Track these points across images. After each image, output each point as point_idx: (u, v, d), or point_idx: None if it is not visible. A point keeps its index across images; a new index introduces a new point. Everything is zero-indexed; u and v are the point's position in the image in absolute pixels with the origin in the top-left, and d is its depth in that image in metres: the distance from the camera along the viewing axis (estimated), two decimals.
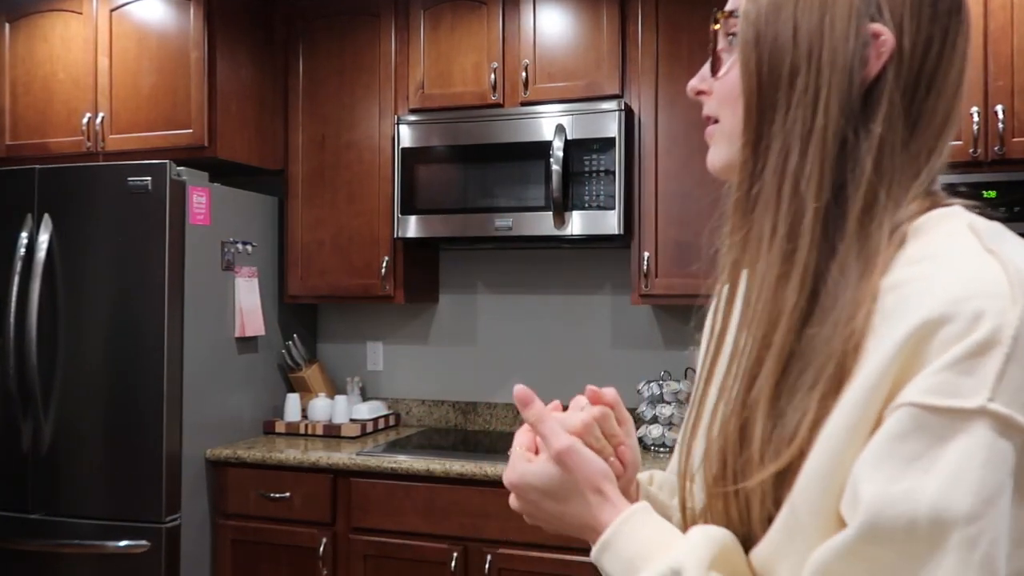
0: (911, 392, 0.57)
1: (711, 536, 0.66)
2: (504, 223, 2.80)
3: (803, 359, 0.64)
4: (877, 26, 0.66)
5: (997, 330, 0.55)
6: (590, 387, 0.79)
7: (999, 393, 0.55)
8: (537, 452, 0.76)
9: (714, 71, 0.77)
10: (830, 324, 0.63)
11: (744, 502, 0.66)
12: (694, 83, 0.79)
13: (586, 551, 0.74)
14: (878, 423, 0.58)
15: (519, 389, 0.75)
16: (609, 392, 0.78)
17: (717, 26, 0.77)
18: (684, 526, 0.74)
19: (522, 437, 0.78)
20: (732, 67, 0.74)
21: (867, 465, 0.57)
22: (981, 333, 0.55)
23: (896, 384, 0.58)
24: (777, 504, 0.64)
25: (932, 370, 0.56)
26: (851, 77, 0.66)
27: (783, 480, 0.63)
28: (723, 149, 0.76)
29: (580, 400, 0.79)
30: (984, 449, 0.54)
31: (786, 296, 0.66)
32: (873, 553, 0.56)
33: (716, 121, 0.78)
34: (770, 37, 0.69)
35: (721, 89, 0.76)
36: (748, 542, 0.67)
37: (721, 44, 0.77)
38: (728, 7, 0.76)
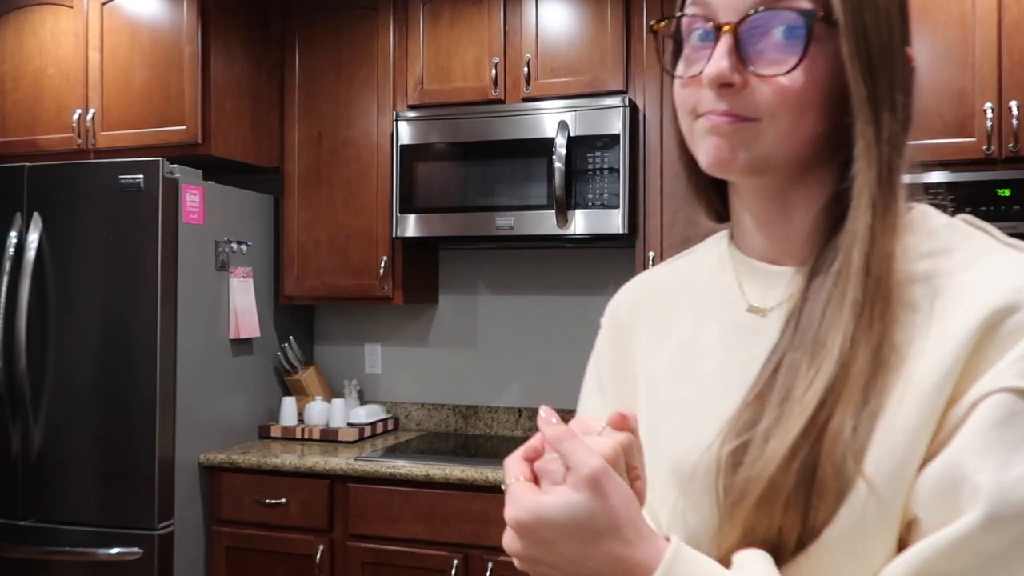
0: (1000, 379, 0.59)
1: (768, 564, 0.63)
2: (505, 222, 2.80)
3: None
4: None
5: None
6: (618, 411, 0.65)
7: None
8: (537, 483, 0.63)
9: (775, 72, 0.68)
10: None
11: (790, 519, 0.64)
12: (725, 71, 0.68)
13: None
14: (943, 418, 0.61)
15: (545, 408, 0.64)
16: (633, 415, 0.65)
17: (797, 5, 0.67)
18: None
19: (516, 467, 0.64)
20: (799, 66, 0.67)
21: (974, 455, 0.58)
22: None
23: (965, 377, 0.61)
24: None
25: (1016, 356, 0.60)
26: (905, 62, 0.71)
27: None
28: (749, 155, 0.70)
29: (588, 422, 0.66)
30: None
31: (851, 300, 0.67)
32: (989, 543, 0.57)
33: (748, 119, 0.69)
34: (872, 23, 0.67)
35: (782, 90, 0.68)
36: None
37: (778, 35, 0.68)
38: (732, 9, 0.69)
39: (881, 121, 0.67)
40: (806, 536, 0.63)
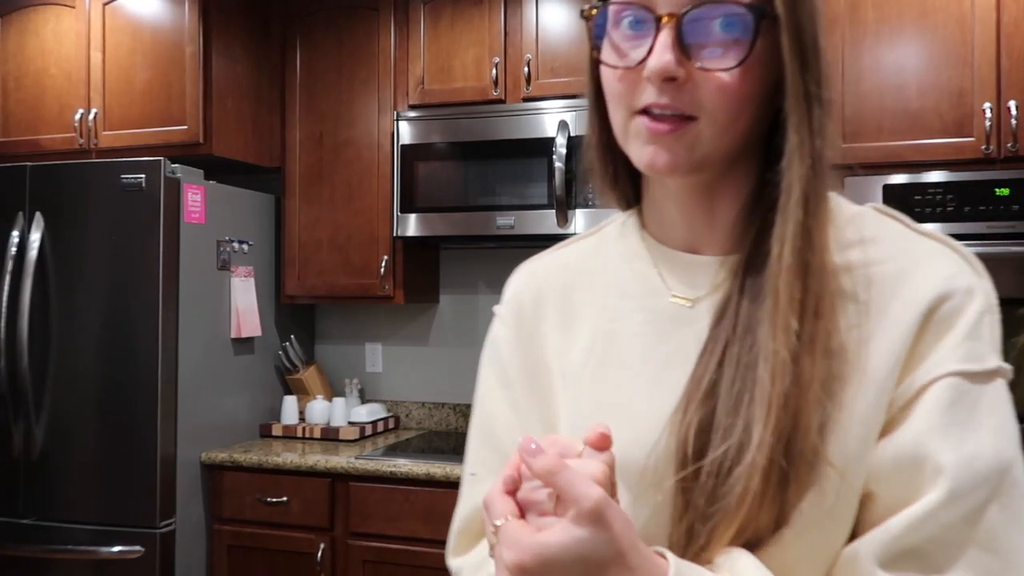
0: (946, 364, 0.65)
1: (757, 565, 0.63)
2: (506, 222, 2.81)
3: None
4: None
5: (986, 298, 0.67)
6: (599, 428, 0.60)
7: (999, 351, 0.67)
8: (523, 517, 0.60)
9: (720, 67, 0.66)
10: None
11: (766, 516, 0.65)
12: (670, 65, 0.65)
13: None
14: (891, 401, 0.66)
15: (525, 439, 0.59)
16: (609, 431, 0.61)
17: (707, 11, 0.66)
18: None
19: (502, 505, 0.60)
20: (744, 63, 0.66)
21: (934, 436, 0.64)
22: (978, 303, 0.67)
23: (909, 362, 0.66)
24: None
25: (956, 341, 0.65)
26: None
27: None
28: (688, 156, 0.69)
29: (565, 443, 0.61)
30: (1007, 399, 0.66)
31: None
32: (949, 515, 0.62)
33: (689, 118, 0.68)
34: (805, 18, 0.66)
35: (723, 86, 0.66)
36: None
37: (722, 29, 0.66)
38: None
39: (813, 115, 0.67)
40: (778, 526, 0.65)
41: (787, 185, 0.68)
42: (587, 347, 0.79)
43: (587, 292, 0.82)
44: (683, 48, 0.66)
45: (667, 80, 0.66)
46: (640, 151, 0.70)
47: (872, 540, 0.64)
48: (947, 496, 0.62)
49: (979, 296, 0.67)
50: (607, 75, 0.71)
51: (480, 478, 0.83)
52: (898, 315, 0.66)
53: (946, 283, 0.67)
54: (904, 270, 0.68)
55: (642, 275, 0.78)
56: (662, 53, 0.66)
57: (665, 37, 0.66)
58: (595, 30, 0.71)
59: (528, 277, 0.88)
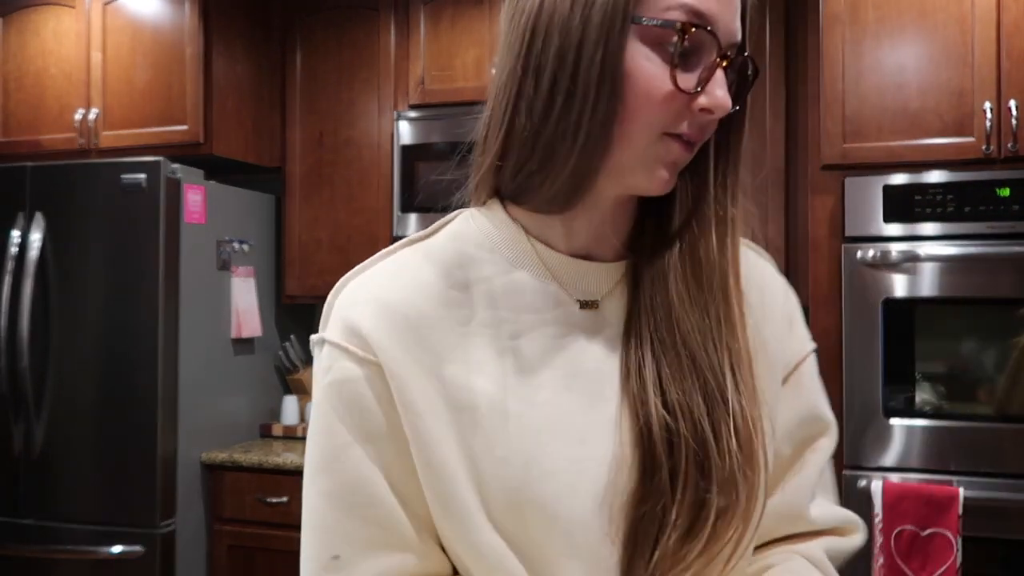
0: (805, 344, 0.83)
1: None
2: None
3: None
4: None
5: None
6: None
7: None
8: None
9: (740, 100, 0.71)
10: None
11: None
12: (728, 102, 0.67)
13: None
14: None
15: None
16: None
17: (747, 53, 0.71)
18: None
19: None
20: (743, 110, 0.74)
21: (818, 398, 0.83)
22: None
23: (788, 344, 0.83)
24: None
25: (801, 325, 0.84)
26: None
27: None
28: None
29: None
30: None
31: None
32: (831, 449, 0.83)
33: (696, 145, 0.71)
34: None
35: (714, 122, 0.71)
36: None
37: (740, 76, 0.72)
38: (737, 35, 0.69)
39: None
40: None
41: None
42: (497, 372, 0.71)
43: (467, 309, 0.72)
44: (729, 85, 0.69)
45: (715, 118, 0.69)
46: (658, 173, 0.69)
47: (804, 486, 0.80)
48: (833, 437, 0.83)
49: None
50: (655, 89, 0.66)
51: (347, 560, 0.69)
52: (778, 312, 0.81)
53: (784, 281, 0.85)
54: (771, 275, 0.83)
55: (536, 283, 0.73)
56: (726, 92, 0.67)
57: (721, 75, 0.67)
58: (680, 49, 0.66)
59: (374, 305, 0.72)
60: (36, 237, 2.78)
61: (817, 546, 0.80)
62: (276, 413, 3.22)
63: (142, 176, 2.71)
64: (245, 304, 3.05)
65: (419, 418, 0.69)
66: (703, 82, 0.66)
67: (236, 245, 3.03)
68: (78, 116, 3.09)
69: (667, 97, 0.66)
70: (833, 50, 2.43)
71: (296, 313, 3.40)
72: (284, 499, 2.76)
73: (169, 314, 2.71)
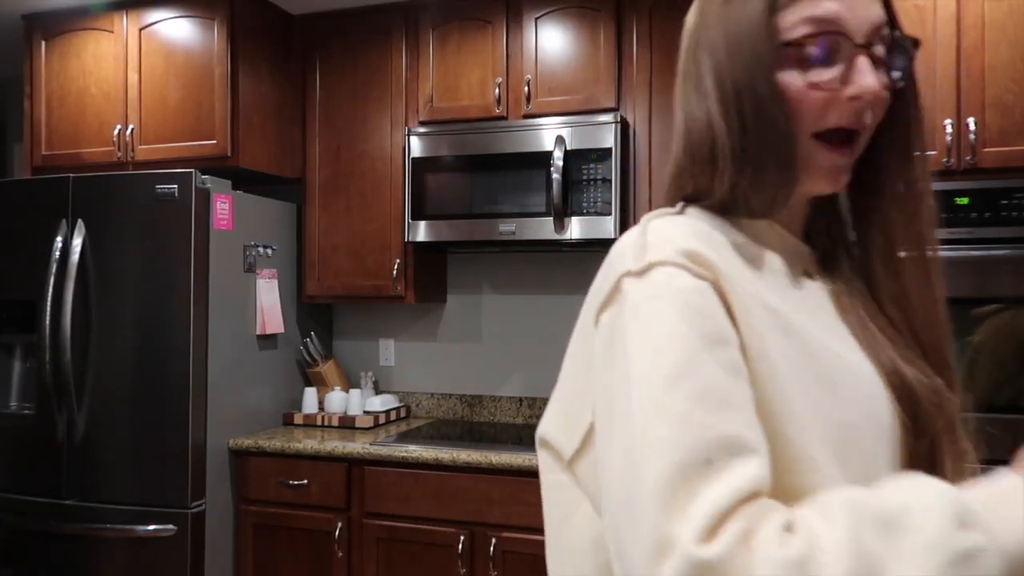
0: None
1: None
2: (508, 228, 2.81)
3: None
4: None
5: None
6: None
7: None
8: None
9: (897, 80, 0.72)
10: None
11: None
12: (879, 86, 0.70)
13: None
14: None
15: None
16: None
17: (892, 33, 0.72)
18: None
19: None
20: (907, 81, 0.73)
21: None
22: None
23: None
24: None
25: None
26: None
27: None
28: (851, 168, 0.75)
29: None
30: None
31: None
32: None
33: (858, 136, 0.72)
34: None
35: (885, 103, 0.72)
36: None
37: (891, 53, 0.72)
38: (883, 16, 0.72)
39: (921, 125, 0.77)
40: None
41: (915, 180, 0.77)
42: (789, 313, 0.70)
43: (756, 266, 0.73)
44: (878, 71, 0.70)
45: (866, 102, 0.69)
46: (819, 173, 0.73)
47: None
48: None
49: None
50: (800, 93, 0.70)
51: (722, 465, 0.58)
52: None
53: None
54: None
55: (795, 254, 0.79)
56: (871, 76, 0.69)
57: (865, 62, 0.69)
58: (813, 55, 0.70)
59: (693, 236, 0.69)
60: (77, 242, 2.79)
61: None
62: (297, 403, 3.22)
63: (174, 186, 2.71)
64: (269, 303, 3.06)
65: (756, 335, 0.65)
66: (846, 74, 0.69)
67: (261, 249, 3.04)
68: (116, 132, 3.09)
69: (812, 98, 0.70)
70: None
71: (315, 312, 3.40)
72: (304, 482, 2.77)
73: (199, 312, 2.72)
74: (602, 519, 0.66)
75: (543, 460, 0.79)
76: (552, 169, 2.71)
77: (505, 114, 2.91)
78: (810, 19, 0.69)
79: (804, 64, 0.70)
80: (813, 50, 0.69)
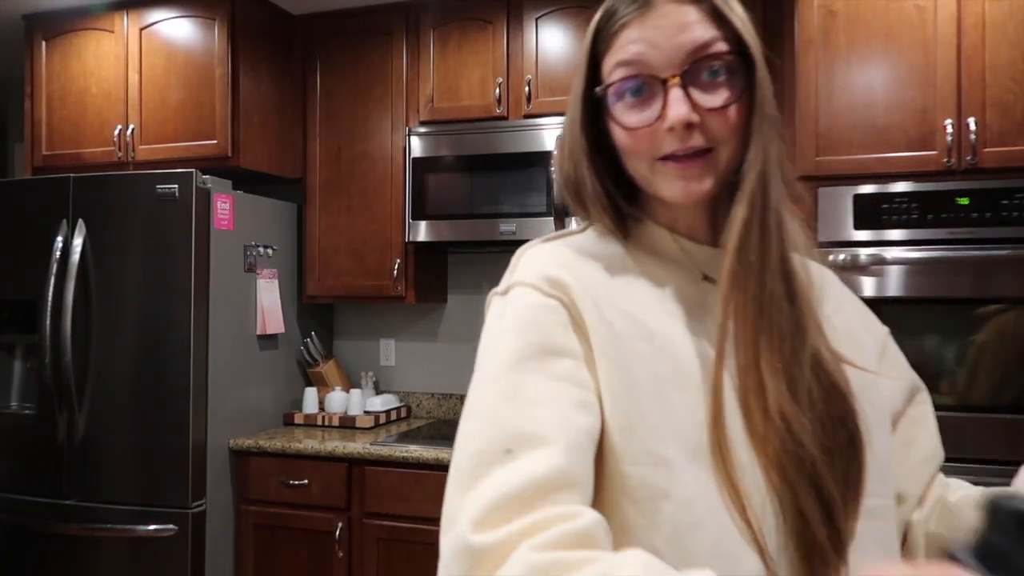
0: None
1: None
2: (508, 228, 2.81)
3: None
4: None
5: None
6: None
7: None
8: None
9: (726, 103, 0.74)
10: None
11: None
12: (686, 113, 0.73)
13: None
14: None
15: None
16: None
17: (720, 50, 0.73)
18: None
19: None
20: (741, 97, 0.74)
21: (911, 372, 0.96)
22: None
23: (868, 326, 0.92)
24: None
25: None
26: None
27: None
28: (714, 178, 0.75)
29: None
30: None
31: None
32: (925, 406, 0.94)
33: (709, 151, 0.74)
34: (766, 74, 0.76)
35: (729, 119, 0.74)
36: None
37: (721, 74, 0.74)
38: (708, 37, 0.73)
39: (768, 130, 0.76)
40: None
41: (747, 183, 0.75)
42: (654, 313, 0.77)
43: (617, 290, 0.77)
44: (691, 99, 0.73)
45: (688, 127, 0.73)
46: (671, 187, 0.76)
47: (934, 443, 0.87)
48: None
49: None
50: (623, 135, 0.76)
51: (515, 455, 0.66)
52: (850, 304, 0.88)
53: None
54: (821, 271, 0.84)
55: (677, 263, 0.81)
56: (678, 106, 0.73)
57: (676, 93, 0.73)
58: (609, 101, 0.77)
59: (560, 270, 0.77)
60: (78, 242, 2.78)
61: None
62: (298, 403, 3.22)
63: (175, 186, 2.71)
64: (269, 303, 3.06)
65: (611, 343, 0.72)
66: (664, 107, 0.73)
67: (261, 249, 3.03)
68: (116, 132, 3.09)
69: (637, 134, 0.75)
70: (807, 72, 2.44)
71: (316, 312, 3.40)
72: (305, 482, 2.77)
73: (200, 312, 2.72)
74: None
75: None
76: (552, 169, 2.70)
77: (506, 114, 2.91)
78: (620, 63, 0.75)
79: (625, 105, 0.75)
80: (624, 92, 0.75)
